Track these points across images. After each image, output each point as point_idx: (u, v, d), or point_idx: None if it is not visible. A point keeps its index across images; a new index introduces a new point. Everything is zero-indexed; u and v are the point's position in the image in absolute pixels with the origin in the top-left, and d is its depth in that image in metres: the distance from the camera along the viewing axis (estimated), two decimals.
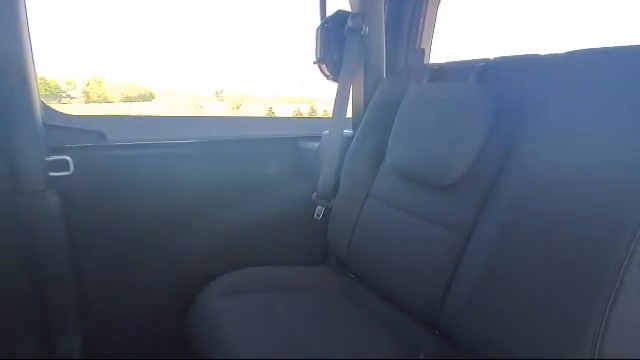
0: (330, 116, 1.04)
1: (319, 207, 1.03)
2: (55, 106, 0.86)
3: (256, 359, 0.63)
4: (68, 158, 0.81)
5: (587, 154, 0.55)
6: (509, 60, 0.74)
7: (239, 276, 0.88)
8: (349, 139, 1.02)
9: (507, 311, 0.58)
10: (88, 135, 0.87)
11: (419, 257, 0.75)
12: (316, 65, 1.05)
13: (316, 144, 1.13)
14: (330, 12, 1.01)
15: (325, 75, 1.05)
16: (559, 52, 0.67)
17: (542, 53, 0.70)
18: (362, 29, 0.96)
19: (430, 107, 0.78)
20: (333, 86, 1.04)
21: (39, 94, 0.75)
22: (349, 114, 1.12)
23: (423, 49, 1.13)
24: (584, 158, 0.55)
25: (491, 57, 0.77)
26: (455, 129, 0.72)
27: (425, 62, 1.17)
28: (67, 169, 0.81)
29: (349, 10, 1.01)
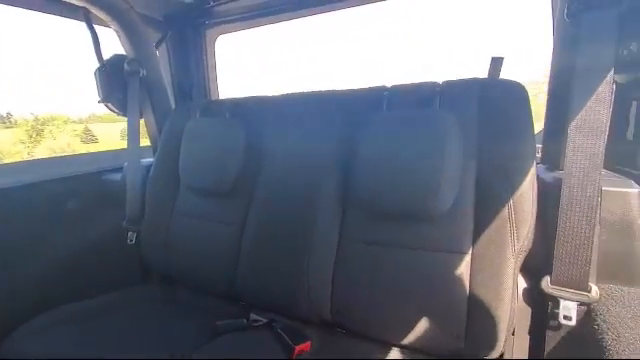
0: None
1: (130, 232, 1.12)
2: None
3: None
4: None
5: (296, 161, 0.91)
6: (252, 99, 1.06)
7: (49, 315, 0.88)
8: (149, 166, 1.15)
9: (266, 273, 0.89)
10: None
11: (215, 249, 0.98)
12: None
13: (119, 175, 1.20)
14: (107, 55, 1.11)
15: (114, 112, 1.14)
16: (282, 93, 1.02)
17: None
18: (140, 72, 1.10)
19: (201, 136, 1.02)
20: None
21: None
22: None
23: (205, 85, 1.37)
24: (296, 164, 0.91)
25: (242, 97, 1.07)
26: (221, 152, 0.98)
27: (213, 96, 1.42)
28: None
29: (124, 53, 1.13)
